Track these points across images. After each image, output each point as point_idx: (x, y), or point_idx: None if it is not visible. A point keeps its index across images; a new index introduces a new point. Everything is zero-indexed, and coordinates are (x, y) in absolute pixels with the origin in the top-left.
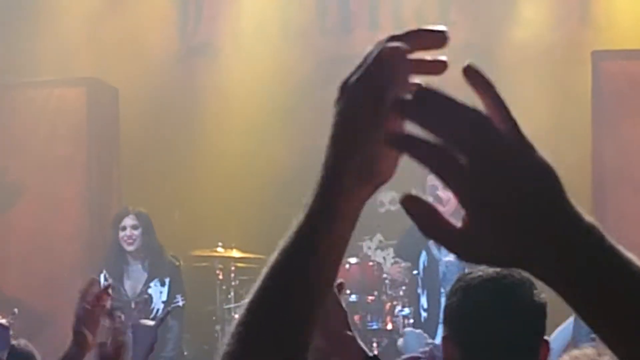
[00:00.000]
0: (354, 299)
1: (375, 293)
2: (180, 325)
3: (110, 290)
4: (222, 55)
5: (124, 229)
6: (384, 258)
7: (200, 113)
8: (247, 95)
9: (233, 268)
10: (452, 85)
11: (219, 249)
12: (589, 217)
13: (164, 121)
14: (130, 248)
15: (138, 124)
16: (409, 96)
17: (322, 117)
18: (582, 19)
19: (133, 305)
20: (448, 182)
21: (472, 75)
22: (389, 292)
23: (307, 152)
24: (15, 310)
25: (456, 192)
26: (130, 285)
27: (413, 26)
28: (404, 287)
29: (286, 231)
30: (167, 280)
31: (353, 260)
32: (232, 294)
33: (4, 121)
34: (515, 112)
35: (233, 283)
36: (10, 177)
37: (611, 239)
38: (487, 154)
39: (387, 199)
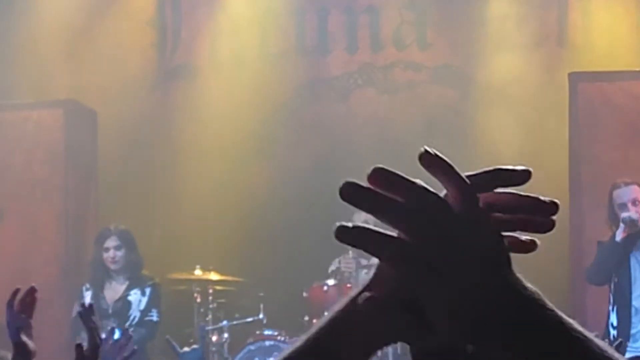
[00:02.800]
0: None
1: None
2: (149, 337)
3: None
4: (200, 77)
5: (107, 250)
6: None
7: (179, 135)
8: (225, 117)
9: (211, 291)
10: (428, 104)
11: (197, 272)
12: (531, 285)
13: (142, 143)
14: (113, 267)
15: (116, 146)
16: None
17: (300, 138)
18: (559, 41)
19: (110, 311)
20: (394, 266)
21: (429, 161)
22: None
23: (286, 175)
24: None
25: (402, 274)
26: (110, 294)
27: (390, 48)
28: None
29: (264, 254)
30: (147, 291)
31: (331, 282)
32: (209, 316)
33: None
34: (492, 134)
35: (211, 306)
36: None
37: (552, 306)
38: (435, 233)
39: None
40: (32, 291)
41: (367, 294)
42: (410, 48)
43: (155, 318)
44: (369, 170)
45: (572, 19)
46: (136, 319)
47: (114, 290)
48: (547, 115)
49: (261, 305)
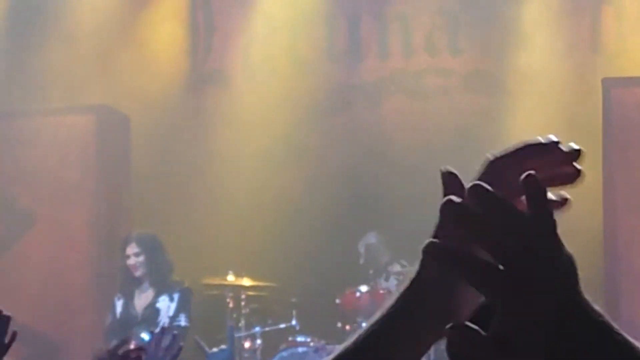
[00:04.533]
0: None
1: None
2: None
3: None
4: (232, 83)
5: (128, 257)
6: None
7: (211, 140)
8: (257, 123)
9: (243, 296)
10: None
11: (230, 277)
12: (598, 309)
13: (174, 149)
14: (137, 274)
15: (148, 151)
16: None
17: (332, 144)
18: (592, 47)
19: (140, 319)
20: (484, 290)
21: (530, 185)
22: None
23: (318, 180)
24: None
25: (492, 298)
26: (139, 302)
27: (421, 54)
28: None
29: (296, 260)
30: (175, 297)
31: (364, 288)
32: (242, 322)
33: (15, 149)
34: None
35: (243, 311)
36: (21, 205)
37: (618, 328)
38: (524, 260)
39: (394, 269)
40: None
41: (456, 322)
42: (442, 54)
43: (183, 323)
44: (469, 184)
45: (606, 25)
46: (165, 324)
47: (142, 297)
48: (581, 121)
49: (294, 312)
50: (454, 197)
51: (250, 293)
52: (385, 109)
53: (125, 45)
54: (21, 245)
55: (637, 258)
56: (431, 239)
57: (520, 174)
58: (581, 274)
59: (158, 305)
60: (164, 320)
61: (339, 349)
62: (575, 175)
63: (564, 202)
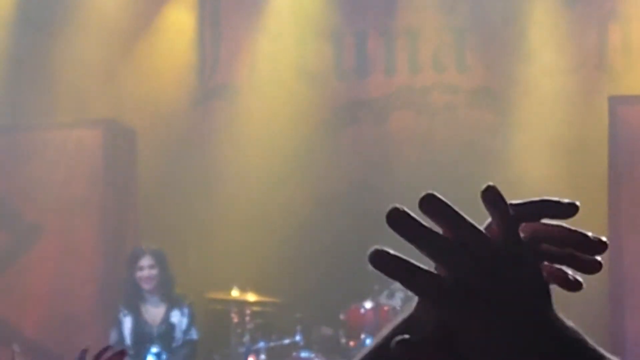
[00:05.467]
0: (370, 343)
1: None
2: (191, 356)
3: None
4: (239, 98)
5: (141, 269)
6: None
7: (217, 155)
8: (263, 138)
9: (248, 312)
10: (466, 127)
11: (234, 292)
12: (570, 323)
13: (181, 163)
14: (148, 287)
15: (155, 165)
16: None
17: (338, 160)
18: (599, 64)
19: (155, 335)
20: (431, 303)
21: (490, 198)
22: (384, 301)
23: (323, 196)
24: (15, 347)
25: (439, 311)
26: (151, 317)
27: (428, 70)
28: (400, 295)
29: (301, 275)
30: (186, 311)
31: (368, 304)
32: (247, 337)
33: (22, 163)
34: (530, 157)
35: (248, 326)
36: (28, 218)
37: (593, 345)
38: (479, 270)
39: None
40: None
41: (399, 337)
42: (449, 71)
43: (195, 336)
44: (421, 194)
45: (612, 43)
46: (180, 341)
47: (153, 312)
48: (587, 139)
49: (298, 327)
50: (400, 207)
51: (255, 308)
52: (391, 124)
53: (132, 60)
54: (28, 259)
55: None
56: (376, 246)
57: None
58: (586, 293)
59: (172, 320)
60: (178, 335)
61: None
62: (595, 267)
63: (577, 284)
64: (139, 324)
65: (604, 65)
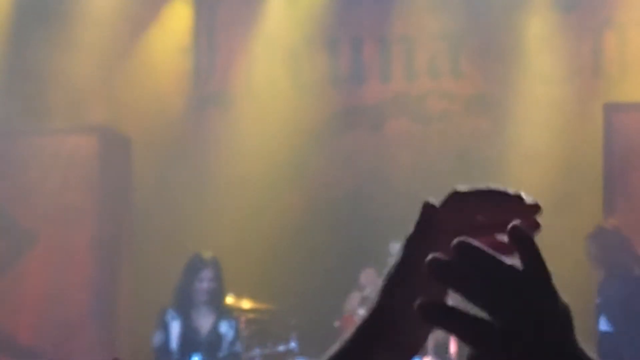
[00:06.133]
0: None
1: None
2: None
3: None
4: (234, 105)
5: (201, 280)
6: None
7: (212, 162)
8: (259, 145)
9: (243, 319)
10: (461, 134)
11: (229, 299)
12: (590, 354)
13: (175, 170)
14: (204, 298)
15: (150, 172)
16: (444, 257)
17: (333, 167)
18: (594, 71)
19: (203, 343)
20: (484, 352)
21: (517, 236)
22: None
23: (319, 203)
24: None
25: (487, 356)
26: (200, 324)
27: (423, 77)
28: None
29: (296, 282)
30: (233, 323)
31: (362, 311)
32: (242, 344)
33: (16, 169)
34: (525, 164)
35: (243, 333)
36: (23, 225)
37: None
38: (521, 318)
39: (396, 248)
40: None
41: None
42: (444, 78)
43: (239, 349)
44: (454, 242)
45: (608, 50)
46: (225, 351)
47: (203, 320)
48: (582, 146)
49: (293, 334)
50: (438, 255)
51: (250, 315)
52: (387, 132)
53: (127, 67)
54: (22, 266)
55: None
56: (421, 297)
57: (476, 214)
58: (580, 298)
59: (221, 330)
60: (225, 345)
61: None
62: (534, 228)
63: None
64: (188, 330)
65: (599, 72)
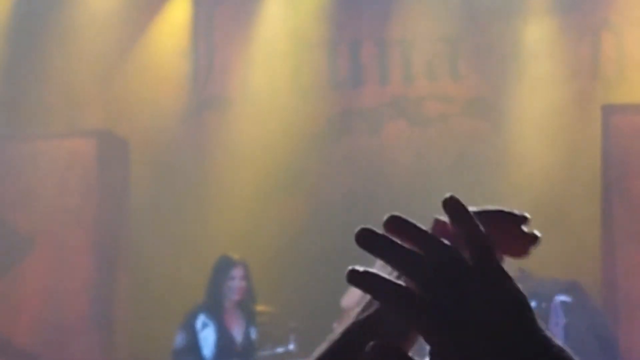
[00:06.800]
0: None
1: None
2: None
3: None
4: (232, 108)
5: (233, 279)
6: None
7: (211, 166)
8: (257, 149)
9: None
10: (459, 136)
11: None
12: (556, 341)
13: (174, 174)
14: (237, 297)
15: (148, 176)
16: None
17: (332, 170)
18: (592, 73)
19: (239, 348)
20: (411, 322)
21: (451, 207)
22: None
23: (317, 206)
24: None
25: (419, 330)
26: (235, 331)
27: (422, 80)
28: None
29: (295, 285)
30: (255, 329)
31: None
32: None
33: (14, 173)
34: (524, 167)
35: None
36: (21, 229)
37: None
38: (452, 288)
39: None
40: None
41: (374, 343)
42: (443, 80)
43: (266, 352)
44: (384, 218)
45: (606, 53)
46: (258, 357)
47: (234, 325)
48: (580, 148)
49: (292, 336)
50: (368, 227)
51: None
52: (385, 134)
53: (125, 71)
54: (21, 269)
55: (636, 287)
56: (353, 266)
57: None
58: None
59: (252, 336)
60: (257, 351)
61: None
62: (531, 242)
63: (533, 239)
64: (223, 336)
65: (597, 74)
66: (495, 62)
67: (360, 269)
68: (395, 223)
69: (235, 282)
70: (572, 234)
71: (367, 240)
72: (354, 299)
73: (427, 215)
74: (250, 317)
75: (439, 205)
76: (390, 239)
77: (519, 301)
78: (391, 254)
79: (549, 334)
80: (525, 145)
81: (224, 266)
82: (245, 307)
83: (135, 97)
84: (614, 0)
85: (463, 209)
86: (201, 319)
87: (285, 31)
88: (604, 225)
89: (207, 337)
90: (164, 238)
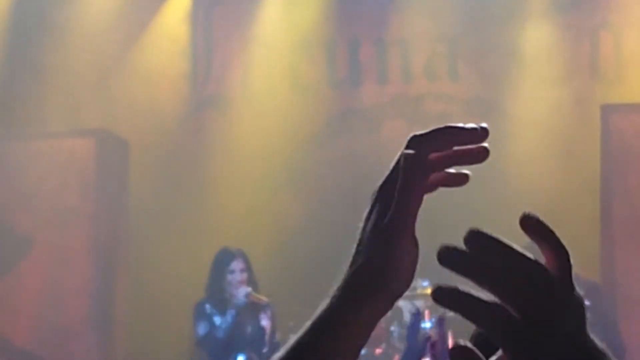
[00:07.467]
0: (362, 352)
1: (383, 345)
2: None
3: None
4: (231, 108)
5: (233, 272)
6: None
7: (210, 165)
8: (256, 148)
9: None
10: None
11: None
12: (601, 344)
13: (173, 173)
14: (236, 291)
15: (147, 175)
16: (456, 246)
17: (331, 170)
18: (591, 73)
19: (248, 339)
20: (501, 340)
21: (531, 225)
22: (397, 344)
23: (316, 206)
24: None
25: (508, 349)
26: (242, 322)
27: (421, 79)
28: None
29: (294, 285)
30: (269, 312)
31: None
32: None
33: (13, 173)
34: (523, 166)
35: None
36: (20, 229)
37: None
38: (541, 308)
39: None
40: None
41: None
42: (442, 80)
43: (277, 337)
44: (465, 233)
45: (604, 52)
46: (268, 346)
47: (242, 317)
48: (579, 148)
49: (290, 336)
50: (451, 245)
51: None
52: (384, 134)
53: (124, 70)
54: (19, 270)
55: (635, 285)
56: (440, 283)
57: (435, 150)
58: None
59: (262, 323)
60: (266, 339)
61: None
62: (483, 155)
63: (464, 177)
64: (229, 329)
65: (596, 74)
66: (494, 62)
67: (447, 286)
68: (478, 238)
69: (236, 275)
70: (571, 233)
71: (451, 258)
72: None
73: (425, 215)
74: (257, 306)
75: (438, 205)
76: (473, 255)
77: (584, 312)
78: (478, 273)
79: (595, 337)
80: (524, 145)
81: (222, 260)
82: (247, 297)
83: (134, 96)
84: (613, 1)
85: (548, 228)
86: (208, 308)
87: (284, 31)
88: (603, 224)
89: (215, 322)
90: (163, 238)
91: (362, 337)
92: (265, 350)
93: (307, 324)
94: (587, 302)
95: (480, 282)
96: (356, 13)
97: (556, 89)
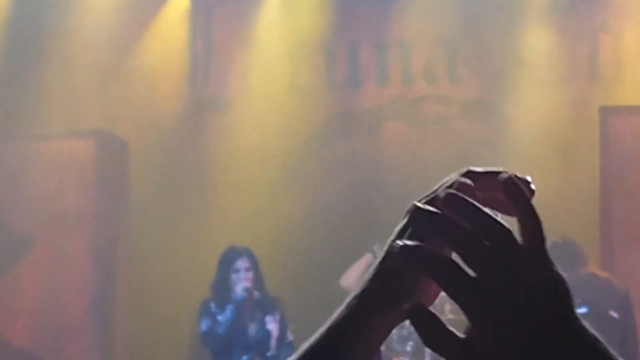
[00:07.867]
0: None
1: (382, 348)
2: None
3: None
4: (231, 109)
5: (237, 271)
6: None
7: (209, 167)
8: (255, 150)
9: None
10: (458, 138)
11: None
12: (593, 331)
13: (173, 174)
14: (241, 290)
15: (147, 177)
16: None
17: (330, 172)
18: (590, 75)
19: (251, 341)
20: (454, 294)
21: (510, 187)
22: (396, 347)
23: (315, 208)
24: None
25: (461, 304)
26: (246, 323)
27: (420, 81)
28: (411, 342)
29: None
30: (277, 313)
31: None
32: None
33: (13, 174)
34: (522, 168)
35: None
36: (20, 230)
37: (615, 353)
38: (500, 268)
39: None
40: None
41: (413, 303)
42: (441, 82)
43: (290, 337)
44: (441, 194)
45: (603, 54)
46: (274, 350)
47: (247, 318)
48: (579, 150)
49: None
50: (422, 204)
51: None
52: (383, 136)
53: (124, 71)
54: (19, 271)
55: (635, 287)
56: (397, 241)
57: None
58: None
59: (268, 326)
60: (273, 342)
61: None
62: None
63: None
64: (233, 329)
65: (595, 76)
66: (493, 64)
67: (412, 243)
68: (451, 199)
69: (241, 274)
70: (571, 235)
71: (423, 216)
72: (353, 278)
73: None
74: (264, 307)
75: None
76: (443, 214)
77: (562, 289)
78: (446, 230)
79: (585, 323)
80: (523, 147)
81: (227, 258)
82: (255, 295)
83: (134, 97)
84: (612, 3)
85: (522, 192)
86: (213, 307)
87: (283, 32)
88: (602, 225)
89: (218, 319)
90: (162, 238)
91: (376, 347)
92: (269, 354)
93: (322, 329)
94: (615, 315)
95: (445, 240)
96: (356, 15)
97: (555, 91)
